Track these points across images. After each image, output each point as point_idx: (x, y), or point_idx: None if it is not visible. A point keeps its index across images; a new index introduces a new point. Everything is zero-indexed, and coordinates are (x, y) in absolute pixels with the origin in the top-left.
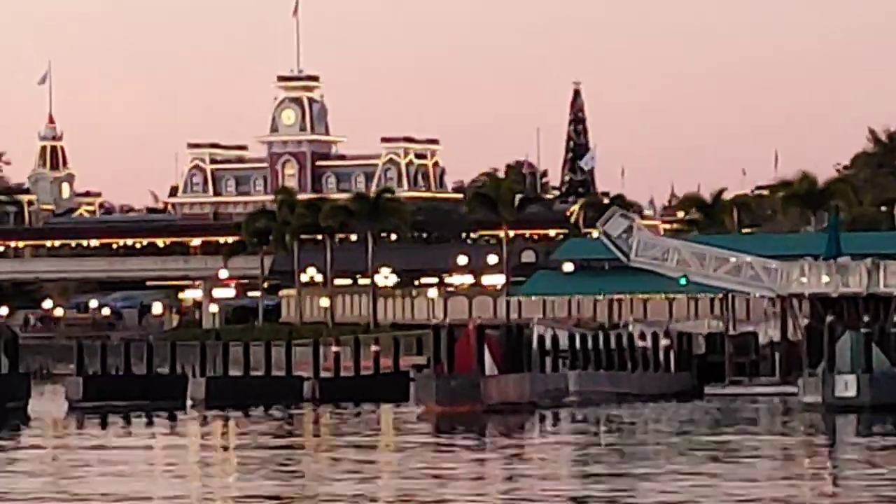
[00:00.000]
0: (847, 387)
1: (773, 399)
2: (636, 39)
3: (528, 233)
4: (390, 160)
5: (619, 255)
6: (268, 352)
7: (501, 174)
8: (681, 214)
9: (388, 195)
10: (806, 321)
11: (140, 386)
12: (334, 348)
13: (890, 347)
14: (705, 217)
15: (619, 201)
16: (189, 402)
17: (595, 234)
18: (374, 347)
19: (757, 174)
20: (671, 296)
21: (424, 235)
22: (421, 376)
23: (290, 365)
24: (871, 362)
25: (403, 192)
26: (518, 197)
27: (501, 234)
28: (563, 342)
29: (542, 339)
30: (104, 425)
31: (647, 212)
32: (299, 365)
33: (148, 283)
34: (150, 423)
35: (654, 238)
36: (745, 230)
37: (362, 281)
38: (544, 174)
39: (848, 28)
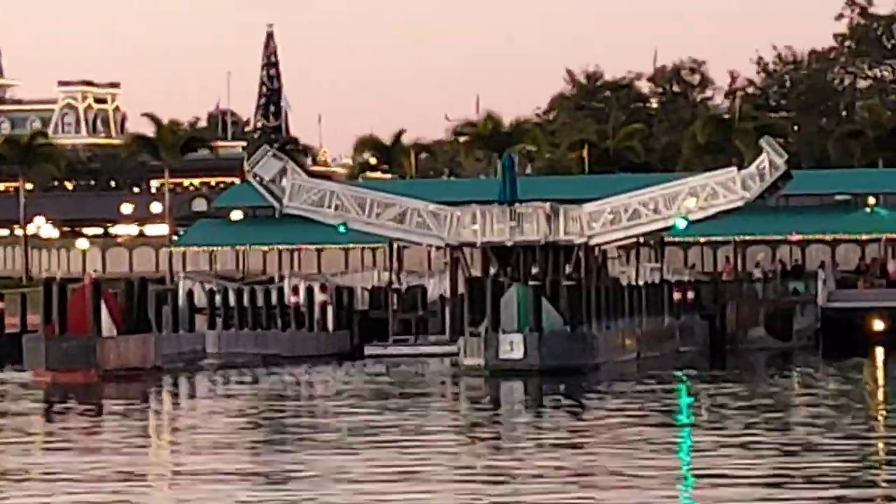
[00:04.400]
0: (513, 348)
1: (441, 360)
2: None
3: (213, 181)
4: (68, 105)
5: (272, 200)
6: None
7: (204, 123)
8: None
9: (43, 140)
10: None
11: None
12: None
13: (563, 303)
14: (384, 161)
15: (293, 145)
16: None
17: None
18: None
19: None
20: (347, 246)
21: (94, 183)
22: (29, 338)
23: None
24: (541, 320)
25: (82, 139)
26: (181, 141)
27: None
28: (202, 298)
29: (175, 294)
30: None
31: (346, 160)
32: None
33: None
34: None
35: (309, 181)
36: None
37: (21, 231)
38: (247, 123)
39: None
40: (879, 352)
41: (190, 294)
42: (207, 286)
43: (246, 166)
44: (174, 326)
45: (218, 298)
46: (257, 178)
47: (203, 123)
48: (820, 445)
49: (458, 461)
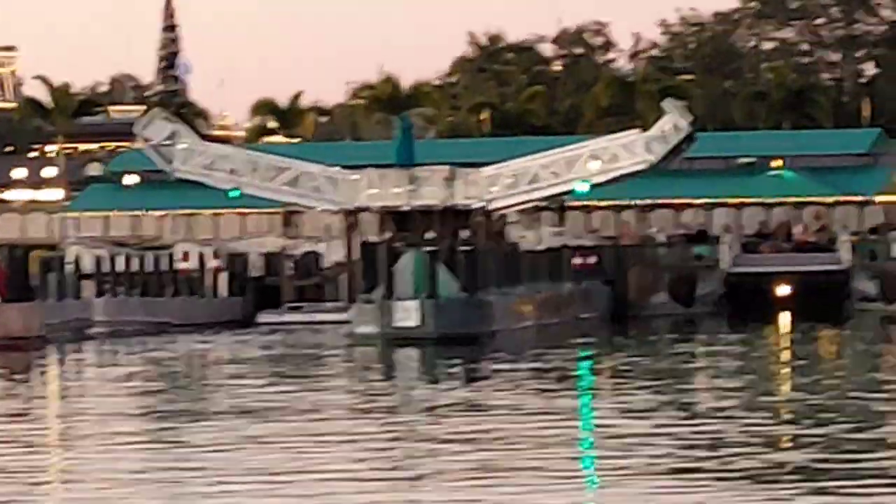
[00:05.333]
0: (407, 315)
1: (337, 328)
2: None
3: (112, 145)
4: None
5: (162, 163)
6: None
7: (106, 87)
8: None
9: None
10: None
11: None
12: None
13: (460, 268)
14: (283, 125)
15: (188, 108)
16: None
17: None
18: None
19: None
20: (244, 211)
21: None
22: None
23: None
24: (437, 286)
25: None
26: (74, 105)
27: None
28: (90, 265)
29: (61, 261)
30: None
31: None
32: None
33: None
34: None
35: (201, 144)
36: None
37: None
38: (149, 87)
39: None
40: (784, 317)
41: (77, 261)
42: (96, 252)
43: (136, 129)
44: (60, 294)
45: (106, 265)
46: (147, 142)
47: (106, 88)
48: (722, 413)
49: (346, 432)
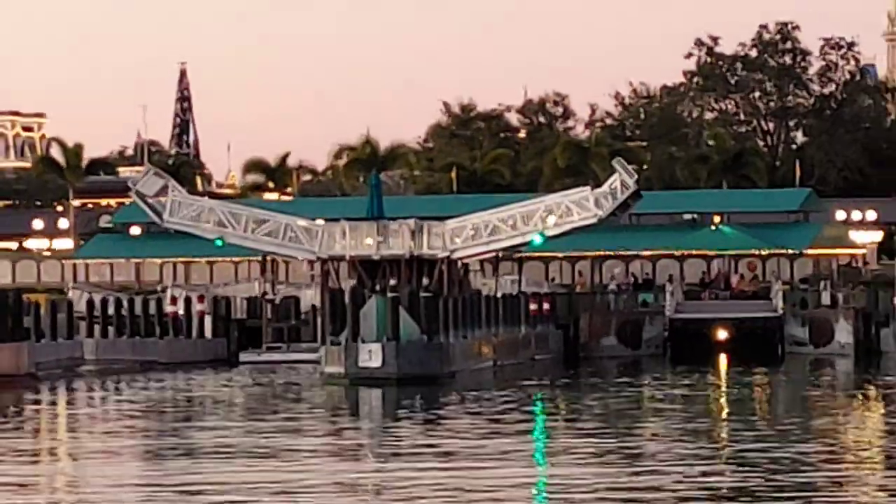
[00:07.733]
0: (371, 356)
1: (313, 368)
2: (241, 13)
3: (127, 201)
4: None
5: (153, 216)
6: None
7: (131, 153)
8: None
9: None
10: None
11: None
12: None
13: (421, 313)
14: (271, 181)
15: (187, 168)
16: None
17: None
18: None
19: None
20: (235, 259)
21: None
22: None
23: None
24: (399, 330)
25: (11, 163)
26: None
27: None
28: (81, 307)
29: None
30: None
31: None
32: None
33: None
34: None
35: (189, 198)
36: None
37: None
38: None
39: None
40: (723, 359)
41: (70, 304)
42: (89, 295)
43: (131, 184)
44: (53, 334)
45: (97, 307)
46: (140, 195)
47: (130, 152)
48: (670, 452)
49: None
